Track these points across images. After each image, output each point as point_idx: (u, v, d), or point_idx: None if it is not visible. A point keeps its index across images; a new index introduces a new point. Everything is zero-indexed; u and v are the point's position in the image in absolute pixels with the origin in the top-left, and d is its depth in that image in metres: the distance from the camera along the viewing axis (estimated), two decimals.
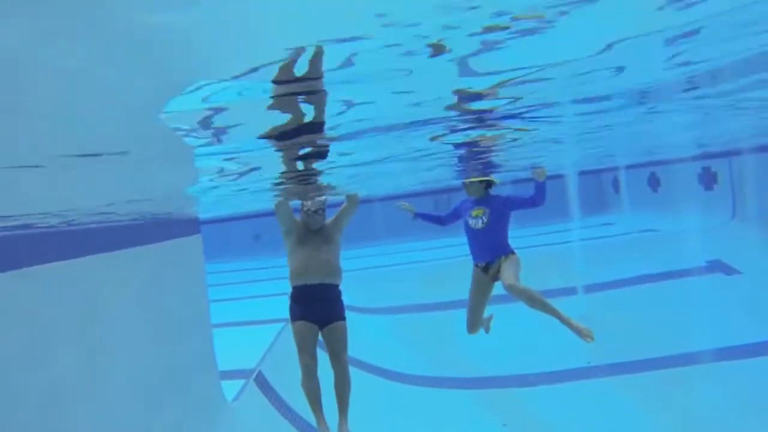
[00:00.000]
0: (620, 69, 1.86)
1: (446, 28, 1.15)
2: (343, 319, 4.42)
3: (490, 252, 4.52)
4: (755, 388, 6.51)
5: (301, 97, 1.49)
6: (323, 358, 4.34)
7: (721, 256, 10.25)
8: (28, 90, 1.08)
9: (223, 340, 6.93)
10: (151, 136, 1.70)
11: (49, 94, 1.17)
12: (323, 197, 4.55)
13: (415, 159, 3.52)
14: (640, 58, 1.74)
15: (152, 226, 5.52)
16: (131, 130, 1.55)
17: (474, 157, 3.90)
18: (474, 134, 2.66)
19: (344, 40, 1.12)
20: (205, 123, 1.61)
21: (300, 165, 2.76)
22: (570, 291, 9.77)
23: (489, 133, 2.71)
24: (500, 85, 1.77)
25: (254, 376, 6.93)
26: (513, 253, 4.56)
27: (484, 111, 2.23)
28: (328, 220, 4.57)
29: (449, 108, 2.04)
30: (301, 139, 1.89)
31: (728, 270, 9.93)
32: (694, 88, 2.54)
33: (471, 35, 1.21)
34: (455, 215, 4.87)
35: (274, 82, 1.29)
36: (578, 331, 4.63)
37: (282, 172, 2.90)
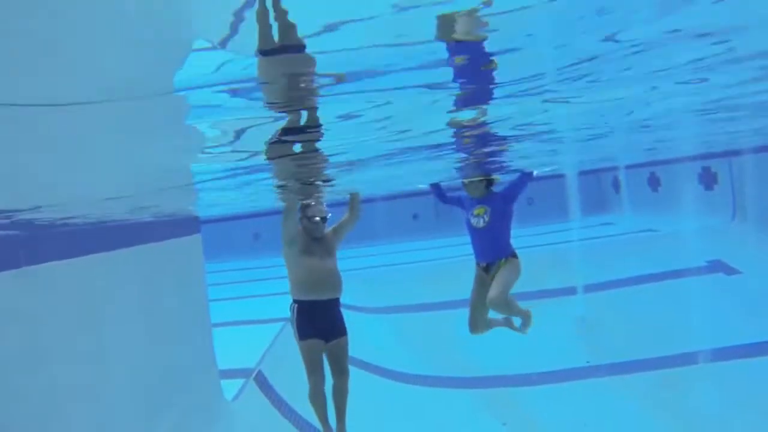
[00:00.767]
0: None
1: None
2: (346, 332, 4.42)
3: (492, 252, 4.51)
4: (755, 389, 6.51)
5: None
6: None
7: (722, 256, 10.25)
8: None
9: (223, 339, 6.92)
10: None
11: None
12: (325, 209, 4.48)
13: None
14: None
15: (152, 226, 5.52)
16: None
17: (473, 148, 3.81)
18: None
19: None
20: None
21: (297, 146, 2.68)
22: (570, 291, 9.77)
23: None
24: None
25: (254, 375, 6.93)
26: (515, 256, 4.52)
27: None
28: (328, 229, 4.50)
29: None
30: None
31: (728, 270, 9.92)
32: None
33: None
34: (456, 202, 4.84)
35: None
36: (525, 325, 4.69)
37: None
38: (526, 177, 4.52)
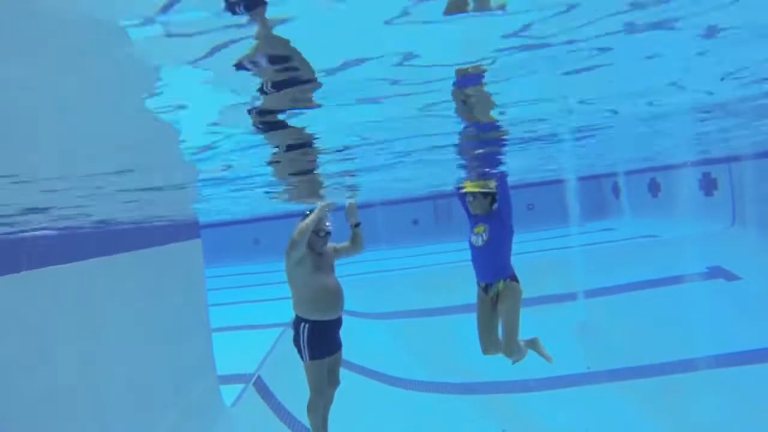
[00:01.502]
0: None
1: None
2: (342, 344, 4.38)
3: (490, 273, 4.44)
4: (756, 395, 6.49)
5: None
6: None
7: (722, 262, 10.25)
8: None
9: (223, 344, 6.91)
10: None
11: None
12: (329, 225, 4.36)
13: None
14: None
15: (152, 230, 5.52)
16: None
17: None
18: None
19: None
20: None
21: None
22: (570, 297, 9.76)
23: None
24: None
25: (253, 380, 6.91)
26: (514, 280, 4.45)
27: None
28: (329, 245, 4.37)
29: None
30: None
31: (729, 276, 9.92)
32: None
33: None
34: (462, 202, 4.72)
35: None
36: (544, 356, 4.70)
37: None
38: (502, 182, 4.46)
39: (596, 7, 1.17)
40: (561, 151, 4.47)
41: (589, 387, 7.50)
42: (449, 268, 11.39)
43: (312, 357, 4.10)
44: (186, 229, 6.28)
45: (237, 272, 15.77)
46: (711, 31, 1.45)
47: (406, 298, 11.06)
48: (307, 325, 4.08)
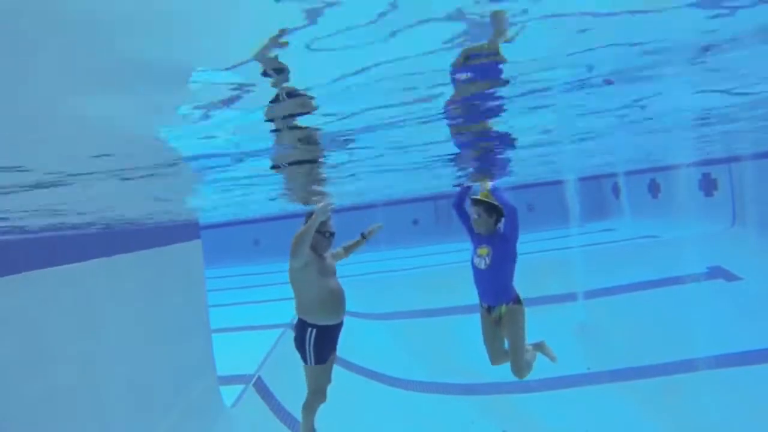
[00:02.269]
0: None
1: None
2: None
3: (493, 296, 4.40)
4: (756, 395, 6.49)
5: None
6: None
7: (722, 262, 10.25)
8: None
9: (223, 345, 6.91)
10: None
11: None
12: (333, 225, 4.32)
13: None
14: None
15: (152, 231, 5.52)
16: None
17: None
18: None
19: None
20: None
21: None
22: (570, 297, 9.76)
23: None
24: None
25: (253, 381, 6.91)
26: (517, 302, 4.41)
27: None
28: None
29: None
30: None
31: (729, 276, 9.92)
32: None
33: None
34: (466, 223, 4.66)
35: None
36: (549, 356, 4.72)
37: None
38: (511, 210, 4.30)
39: None
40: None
41: (590, 387, 7.51)
42: (449, 268, 11.39)
43: (317, 362, 4.08)
44: (186, 230, 6.28)
45: (237, 273, 15.78)
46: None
47: (407, 299, 11.06)
48: (314, 331, 4.03)
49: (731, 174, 12.37)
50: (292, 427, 6.46)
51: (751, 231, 11.38)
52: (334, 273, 4.21)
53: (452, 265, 11.24)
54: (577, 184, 12.89)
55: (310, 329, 4.04)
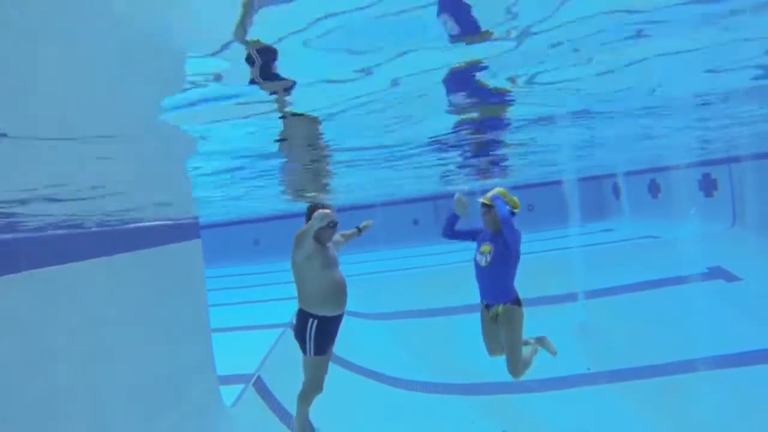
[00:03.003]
0: None
1: None
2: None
3: (491, 294, 4.42)
4: (756, 396, 6.49)
5: None
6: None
7: (722, 262, 10.25)
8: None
9: (223, 344, 6.91)
10: None
11: None
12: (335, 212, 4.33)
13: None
14: None
15: (152, 230, 5.52)
16: None
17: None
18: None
19: None
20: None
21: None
22: (570, 297, 9.76)
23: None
24: None
25: (253, 381, 6.91)
26: (516, 303, 4.41)
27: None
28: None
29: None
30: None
31: (729, 276, 9.92)
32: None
33: None
34: (468, 235, 4.67)
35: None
36: (549, 349, 4.71)
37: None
38: (505, 220, 4.31)
39: None
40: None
41: (590, 388, 7.50)
42: (449, 268, 11.39)
43: (317, 353, 4.07)
44: (186, 230, 6.28)
45: (237, 273, 15.78)
46: None
47: (407, 299, 11.06)
48: (315, 321, 4.03)
49: (731, 174, 12.37)
50: (291, 426, 6.46)
51: (750, 231, 11.38)
52: (337, 264, 4.19)
53: (452, 265, 11.24)
54: (577, 184, 12.90)
55: (311, 320, 4.03)
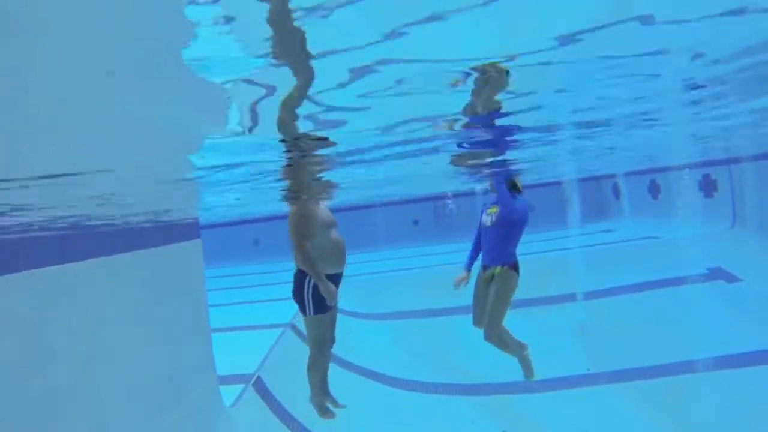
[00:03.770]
0: None
1: None
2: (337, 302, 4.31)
3: (491, 256, 4.52)
4: (757, 397, 6.48)
5: None
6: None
7: (722, 263, 10.24)
8: None
9: (223, 344, 6.90)
10: None
11: None
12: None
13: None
14: None
15: (151, 230, 5.51)
16: None
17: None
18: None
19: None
20: None
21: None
22: (569, 298, 9.76)
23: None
24: None
25: (253, 381, 6.90)
26: (513, 268, 4.47)
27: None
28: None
29: None
30: None
31: (729, 278, 9.91)
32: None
33: None
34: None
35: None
36: (526, 369, 4.71)
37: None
38: (503, 195, 4.46)
39: None
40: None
41: (590, 388, 7.49)
42: (450, 268, 11.36)
43: (316, 311, 4.05)
44: (186, 230, 6.28)
45: (237, 273, 15.77)
46: None
47: (407, 299, 11.05)
48: (312, 279, 4.01)
49: (731, 175, 12.36)
50: (291, 426, 6.46)
51: (751, 232, 11.38)
52: (335, 225, 4.20)
53: (452, 265, 11.22)
54: (577, 184, 12.90)
55: (308, 278, 4.02)
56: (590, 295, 9.68)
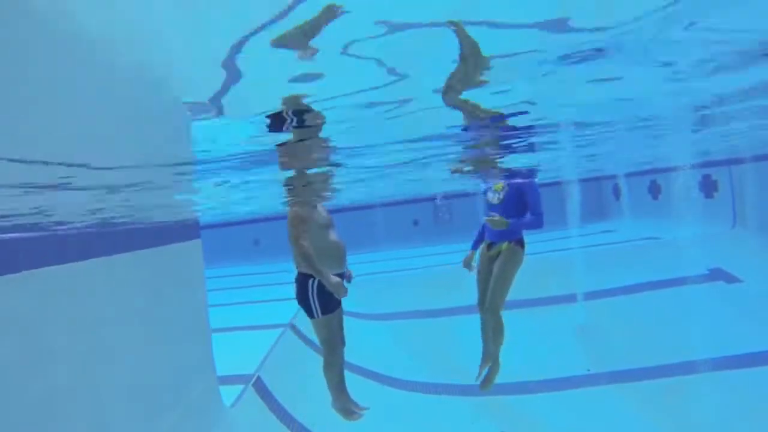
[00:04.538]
0: None
1: None
2: (341, 303, 4.30)
3: (497, 233, 4.43)
4: (757, 397, 6.48)
5: None
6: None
7: (722, 264, 10.24)
8: None
9: (222, 344, 6.90)
10: None
11: None
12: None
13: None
14: None
15: (152, 231, 5.51)
16: None
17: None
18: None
19: None
20: None
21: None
22: (570, 298, 9.75)
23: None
24: None
25: (253, 381, 6.90)
26: (520, 244, 4.42)
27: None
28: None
29: None
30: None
31: (729, 278, 9.91)
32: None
33: None
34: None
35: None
36: (492, 372, 4.61)
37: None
38: (533, 186, 4.42)
39: None
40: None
41: (589, 389, 7.49)
42: (449, 268, 11.35)
43: (324, 312, 4.04)
44: (186, 230, 6.28)
45: (237, 273, 15.77)
46: None
47: (407, 299, 11.05)
48: (316, 281, 4.00)
49: (731, 176, 12.36)
50: (291, 427, 6.46)
51: (751, 233, 11.38)
52: (333, 226, 4.19)
53: (452, 265, 11.20)
54: (578, 185, 12.88)
55: (311, 280, 4.01)
56: (590, 296, 9.68)
